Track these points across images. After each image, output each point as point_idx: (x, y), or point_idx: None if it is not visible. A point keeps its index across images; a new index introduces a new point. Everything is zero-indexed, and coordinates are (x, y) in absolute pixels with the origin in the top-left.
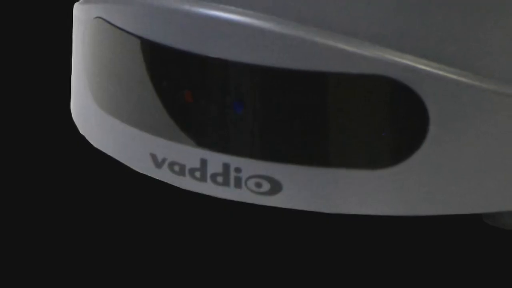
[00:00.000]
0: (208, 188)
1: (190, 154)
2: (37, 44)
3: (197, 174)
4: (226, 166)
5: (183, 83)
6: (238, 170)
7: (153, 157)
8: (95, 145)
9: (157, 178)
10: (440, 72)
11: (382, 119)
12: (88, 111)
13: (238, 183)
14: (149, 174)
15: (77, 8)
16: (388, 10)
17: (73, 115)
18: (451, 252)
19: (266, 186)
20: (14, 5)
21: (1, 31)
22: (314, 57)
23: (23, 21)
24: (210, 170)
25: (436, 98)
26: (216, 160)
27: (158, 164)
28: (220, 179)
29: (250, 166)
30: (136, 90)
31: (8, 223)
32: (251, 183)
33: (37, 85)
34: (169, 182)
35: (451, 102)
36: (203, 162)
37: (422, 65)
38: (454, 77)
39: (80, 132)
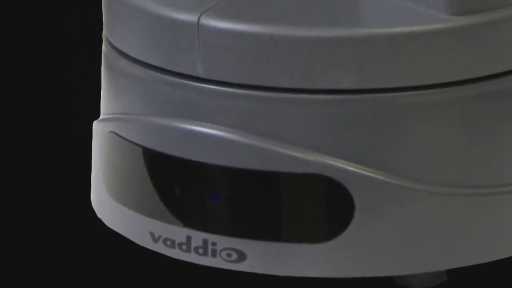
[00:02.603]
0: (192, 258)
1: (179, 232)
2: (66, 154)
3: (184, 247)
4: (205, 241)
5: (173, 180)
6: (214, 244)
7: (152, 234)
8: (109, 225)
9: (155, 250)
10: (363, 172)
11: (319, 206)
12: (104, 200)
13: (214, 253)
14: (148, 247)
15: (95, 125)
16: (324, 127)
17: (92, 203)
18: None
19: (234, 256)
20: (48, 125)
21: (41, 141)
22: (270, 161)
23: (54, 139)
24: (194, 244)
25: (360, 191)
26: (198, 237)
27: (155, 240)
28: (201, 250)
29: (223, 241)
30: (139, 185)
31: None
32: (224, 253)
33: (66, 182)
34: (163, 253)
35: (371, 194)
36: (188, 238)
37: (350, 167)
38: (373, 175)
39: (98, 215)
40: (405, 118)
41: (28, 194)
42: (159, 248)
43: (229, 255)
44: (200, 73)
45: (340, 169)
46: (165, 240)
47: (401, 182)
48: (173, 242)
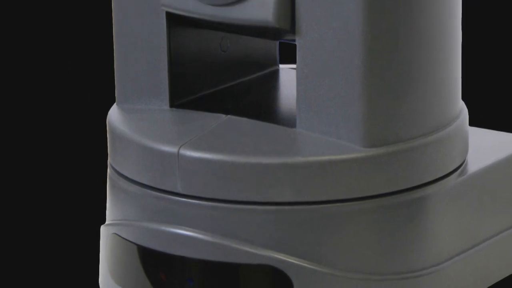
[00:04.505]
0: None
1: None
2: (81, 252)
3: None
4: None
5: (160, 269)
6: None
7: None
8: None
9: None
10: (300, 263)
11: None
12: (108, 283)
13: None
14: None
15: (102, 229)
16: (271, 229)
17: (100, 285)
18: None
19: None
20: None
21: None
22: (229, 254)
23: (71, 239)
24: None
25: (297, 277)
26: None
27: None
28: None
29: None
30: (134, 272)
31: None
32: None
33: (81, 270)
34: None
35: (306, 279)
36: None
37: (290, 259)
38: (307, 265)
39: None
40: (331, 223)
41: (52, 280)
42: None
43: None
44: (180, 190)
45: (283, 261)
46: None
47: (328, 270)
48: None
